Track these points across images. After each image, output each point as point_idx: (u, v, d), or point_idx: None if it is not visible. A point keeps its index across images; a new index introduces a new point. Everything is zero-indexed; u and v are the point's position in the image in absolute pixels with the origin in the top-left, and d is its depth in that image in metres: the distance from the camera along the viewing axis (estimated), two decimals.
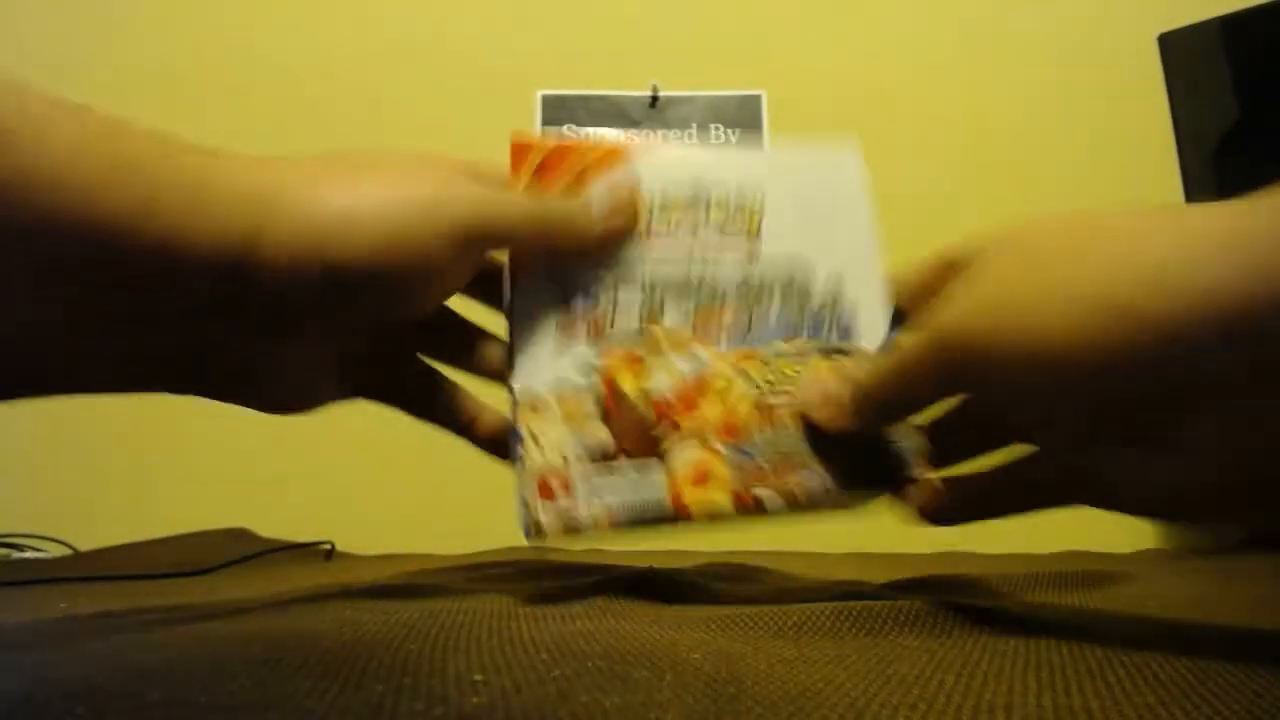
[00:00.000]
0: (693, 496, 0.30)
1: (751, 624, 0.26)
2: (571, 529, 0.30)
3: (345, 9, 1.13)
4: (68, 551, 0.80)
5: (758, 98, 0.71)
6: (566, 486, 0.30)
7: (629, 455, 0.30)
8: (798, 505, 0.30)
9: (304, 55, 1.12)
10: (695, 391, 0.31)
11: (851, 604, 0.27)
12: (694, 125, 0.70)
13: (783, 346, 0.32)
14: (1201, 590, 0.39)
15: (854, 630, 0.25)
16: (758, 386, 0.32)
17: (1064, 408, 0.24)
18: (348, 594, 0.36)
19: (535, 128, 0.69)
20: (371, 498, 0.98)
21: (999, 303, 0.24)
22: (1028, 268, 0.24)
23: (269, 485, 0.99)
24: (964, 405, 0.31)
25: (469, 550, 0.70)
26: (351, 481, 0.99)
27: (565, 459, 0.30)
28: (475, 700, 0.17)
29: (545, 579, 0.41)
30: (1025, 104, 1.01)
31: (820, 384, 0.31)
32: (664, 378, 0.31)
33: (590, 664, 0.20)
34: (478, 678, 0.19)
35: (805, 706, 0.16)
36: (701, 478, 0.30)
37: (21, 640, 0.29)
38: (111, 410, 1.04)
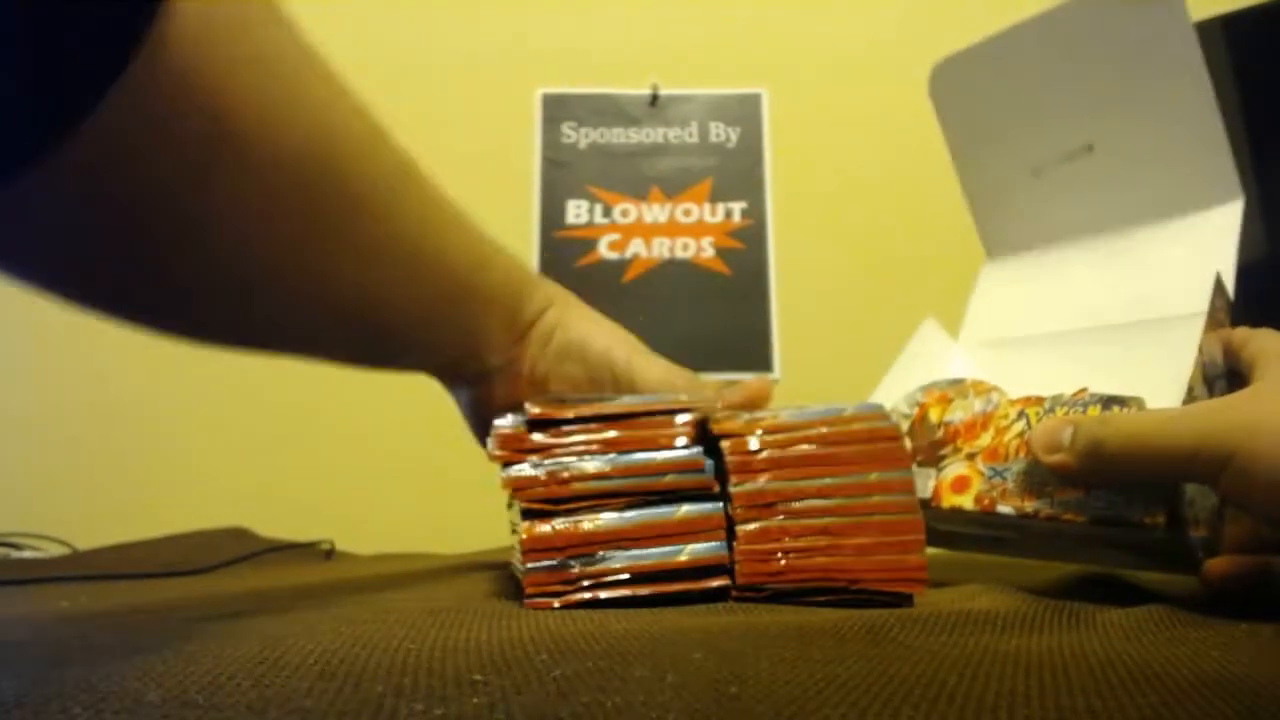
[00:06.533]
0: (948, 499, 0.38)
1: (753, 623, 0.26)
2: None
3: (345, 8, 1.13)
4: (67, 550, 0.80)
5: (758, 96, 0.71)
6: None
7: (919, 463, 0.40)
8: (1031, 518, 0.35)
9: None
10: (980, 424, 0.40)
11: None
12: (694, 124, 0.70)
13: (1066, 395, 0.37)
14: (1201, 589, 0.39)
15: (856, 630, 0.25)
16: (1029, 425, 0.37)
17: None
18: (347, 593, 0.36)
19: (535, 127, 0.68)
20: (372, 497, 0.98)
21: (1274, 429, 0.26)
22: None
23: (269, 484, 0.99)
24: None
25: (469, 550, 0.70)
26: (352, 481, 0.99)
27: None
28: (475, 700, 0.17)
29: None
30: None
31: (1049, 430, 0.34)
32: (960, 412, 0.41)
33: (591, 664, 0.20)
34: (477, 678, 0.19)
35: (807, 706, 0.16)
36: (960, 487, 0.38)
37: (20, 639, 0.29)
38: (110, 409, 1.04)
